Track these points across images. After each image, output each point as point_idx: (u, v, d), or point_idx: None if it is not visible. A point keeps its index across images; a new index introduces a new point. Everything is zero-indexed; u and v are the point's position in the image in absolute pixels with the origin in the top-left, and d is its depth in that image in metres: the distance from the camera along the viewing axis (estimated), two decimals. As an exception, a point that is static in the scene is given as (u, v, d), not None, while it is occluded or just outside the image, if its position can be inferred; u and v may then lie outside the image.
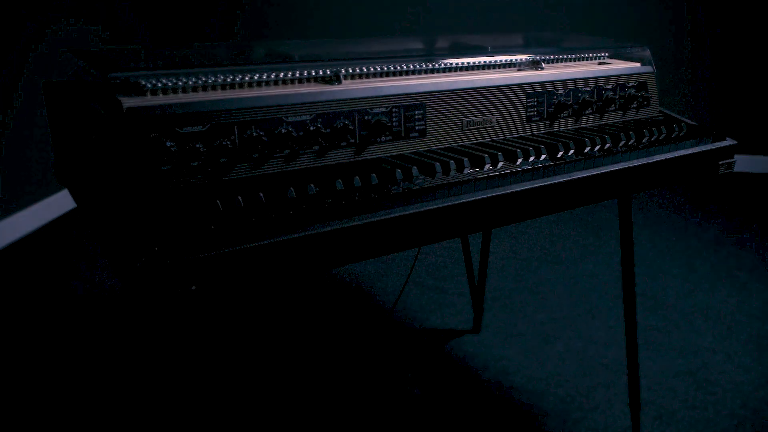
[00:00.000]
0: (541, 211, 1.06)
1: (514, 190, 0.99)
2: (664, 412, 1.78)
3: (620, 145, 1.20)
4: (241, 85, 0.98)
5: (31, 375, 1.93)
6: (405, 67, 1.15)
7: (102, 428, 1.68)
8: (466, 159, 1.03)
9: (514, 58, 1.31)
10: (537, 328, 2.27)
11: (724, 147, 1.31)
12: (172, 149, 0.86)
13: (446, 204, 0.91)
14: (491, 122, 1.22)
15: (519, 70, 1.31)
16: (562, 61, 1.42)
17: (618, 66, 1.44)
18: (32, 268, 2.74)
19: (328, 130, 1.00)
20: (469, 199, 0.94)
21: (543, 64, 1.34)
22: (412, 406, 1.78)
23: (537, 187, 1.02)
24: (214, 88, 0.96)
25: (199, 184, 0.90)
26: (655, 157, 1.20)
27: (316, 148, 1.00)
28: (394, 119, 1.08)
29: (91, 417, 1.72)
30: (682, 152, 1.24)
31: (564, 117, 1.33)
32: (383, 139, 1.07)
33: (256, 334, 2.09)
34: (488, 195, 0.96)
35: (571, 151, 1.13)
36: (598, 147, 1.17)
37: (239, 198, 0.81)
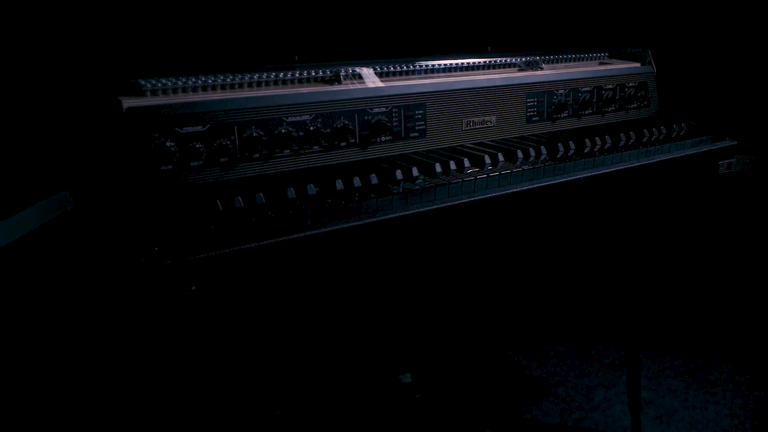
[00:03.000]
0: (542, 211, 1.06)
1: (515, 190, 0.99)
2: (664, 412, 1.78)
3: (620, 145, 1.20)
4: (241, 86, 0.98)
5: (30, 375, 1.92)
6: (405, 68, 1.15)
7: (101, 428, 1.68)
8: (466, 159, 1.03)
9: (514, 58, 1.31)
10: (537, 328, 2.27)
11: (724, 147, 1.31)
12: (173, 149, 0.86)
13: (446, 204, 0.91)
14: (491, 122, 1.22)
15: (519, 70, 1.31)
16: (562, 61, 1.42)
17: (618, 66, 1.44)
18: (31, 268, 2.74)
19: (328, 131, 1.00)
20: (469, 200, 0.94)
21: (543, 65, 1.34)
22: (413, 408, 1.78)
23: (537, 187, 1.02)
24: (214, 88, 0.96)
25: (199, 184, 0.90)
26: (655, 157, 1.20)
27: (316, 148, 1.00)
28: (394, 119, 1.08)
29: (91, 417, 1.72)
30: (682, 152, 1.24)
31: (564, 117, 1.33)
32: (383, 139, 1.07)
33: (257, 331, 2.09)
34: (488, 195, 0.96)
35: (572, 151, 1.13)
36: (598, 147, 1.16)
37: (239, 198, 0.81)
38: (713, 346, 2.16)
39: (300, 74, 1.04)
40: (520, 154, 1.09)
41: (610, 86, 1.39)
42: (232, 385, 1.84)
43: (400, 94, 1.08)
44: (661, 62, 1.52)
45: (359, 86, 1.05)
